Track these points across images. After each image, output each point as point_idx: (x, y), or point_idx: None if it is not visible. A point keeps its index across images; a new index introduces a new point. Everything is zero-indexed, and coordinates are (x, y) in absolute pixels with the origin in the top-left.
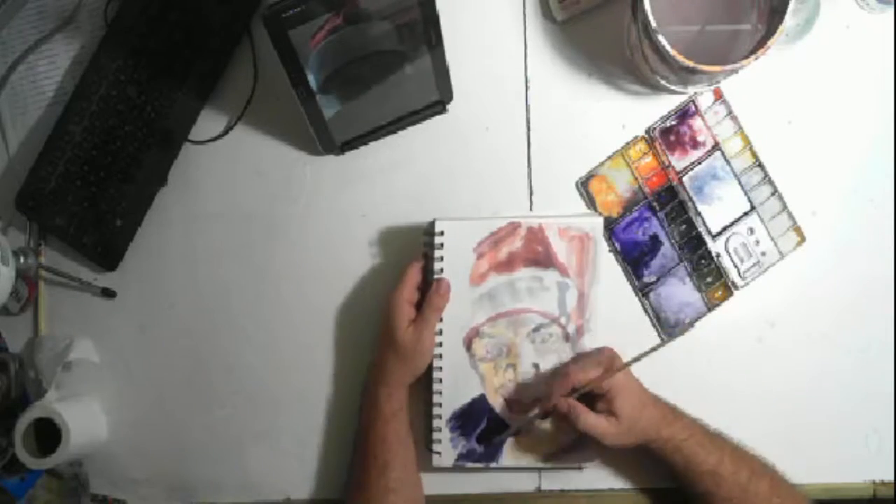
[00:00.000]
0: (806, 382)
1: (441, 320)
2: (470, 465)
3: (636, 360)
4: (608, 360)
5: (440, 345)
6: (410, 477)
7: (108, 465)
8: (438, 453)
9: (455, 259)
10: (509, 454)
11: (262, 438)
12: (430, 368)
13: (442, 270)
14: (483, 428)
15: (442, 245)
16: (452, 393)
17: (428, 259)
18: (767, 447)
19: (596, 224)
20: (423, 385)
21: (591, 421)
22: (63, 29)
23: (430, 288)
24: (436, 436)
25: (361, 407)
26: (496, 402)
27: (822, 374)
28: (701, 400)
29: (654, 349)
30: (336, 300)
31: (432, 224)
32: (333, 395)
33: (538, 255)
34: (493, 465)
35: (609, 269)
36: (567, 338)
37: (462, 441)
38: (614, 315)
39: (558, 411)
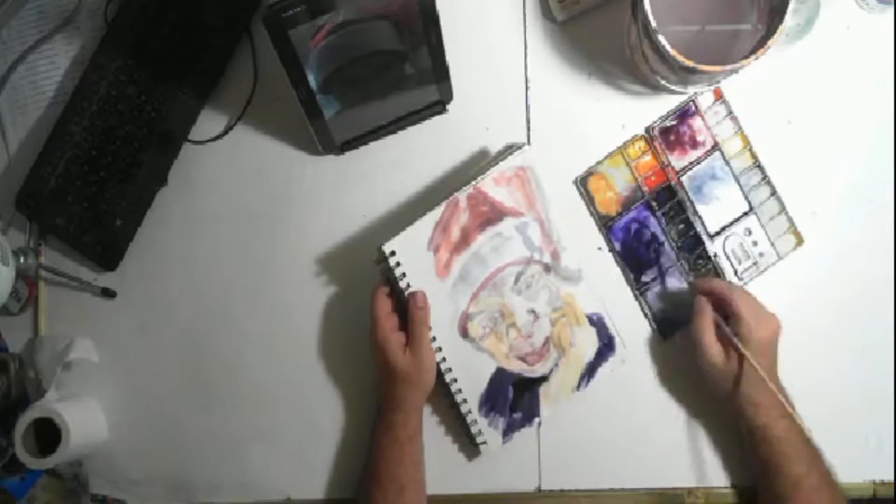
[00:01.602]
0: (806, 382)
1: (430, 328)
2: (517, 434)
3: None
4: (769, 314)
5: (439, 349)
6: (423, 499)
7: (108, 465)
8: (485, 443)
9: (416, 268)
10: (545, 404)
11: (262, 438)
12: (441, 377)
13: (409, 285)
14: (512, 396)
15: (399, 263)
16: (470, 383)
17: (391, 282)
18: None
19: (524, 154)
20: (443, 393)
21: (706, 334)
22: (63, 29)
23: (404, 305)
24: (474, 430)
25: (374, 432)
26: (513, 366)
27: (822, 374)
28: (704, 400)
29: None
30: (336, 300)
31: (380, 250)
32: (333, 395)
33: (487, 214)
34: (537, 419)
35: (607, 268)
36: (547, 269)
37: (500, 419)
38: (612, 313)
39: (697, 305)
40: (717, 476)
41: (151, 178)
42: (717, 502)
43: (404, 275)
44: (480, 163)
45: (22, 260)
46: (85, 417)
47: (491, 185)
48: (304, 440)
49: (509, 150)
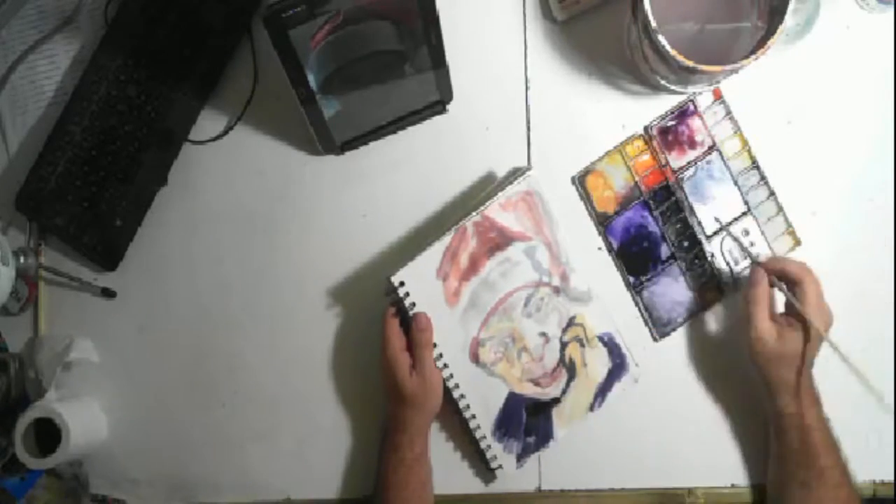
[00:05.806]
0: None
1: (441, 356)
2: (531, 458)
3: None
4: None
5: (451, 376)
6: None
7: (108, 465)
8: (500, 467)
9: (425, 296)
10: (559, 425)
11: (262, 438)
12: (453, 402)
13: None
14: (525, 420)
15: (407, 294)
16: (484, 408)
17: (400, 311)
18: (767, 447)
19: (529, 178)
20: (458, 420)
21: (759, 307)
22: (63, 29)
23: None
24: (489, 454)
25: (380, 454)
26: (525, 389)
27: (821, 374)
28: (701, 400)
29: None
30: (336, 300)
31: (389, 281)
32: (333, 395)
33: (495, 240)
34: (552, 441)
35: (605, 266)
36: (557, 291)
37: (514, 443)
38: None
39: (753, 276)
40: (716, 476)
41: (151, 178)
42: (716, 502)
43: (414, 304)
44: (486, 187)
45: (22, 260)
46: (85, 417)
47: (498, 210)
48: (304, 440)
49: (514, 174)
